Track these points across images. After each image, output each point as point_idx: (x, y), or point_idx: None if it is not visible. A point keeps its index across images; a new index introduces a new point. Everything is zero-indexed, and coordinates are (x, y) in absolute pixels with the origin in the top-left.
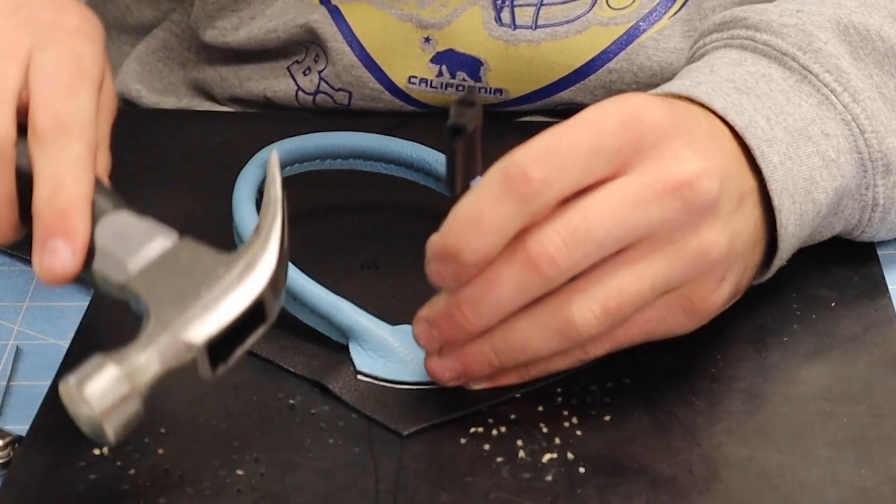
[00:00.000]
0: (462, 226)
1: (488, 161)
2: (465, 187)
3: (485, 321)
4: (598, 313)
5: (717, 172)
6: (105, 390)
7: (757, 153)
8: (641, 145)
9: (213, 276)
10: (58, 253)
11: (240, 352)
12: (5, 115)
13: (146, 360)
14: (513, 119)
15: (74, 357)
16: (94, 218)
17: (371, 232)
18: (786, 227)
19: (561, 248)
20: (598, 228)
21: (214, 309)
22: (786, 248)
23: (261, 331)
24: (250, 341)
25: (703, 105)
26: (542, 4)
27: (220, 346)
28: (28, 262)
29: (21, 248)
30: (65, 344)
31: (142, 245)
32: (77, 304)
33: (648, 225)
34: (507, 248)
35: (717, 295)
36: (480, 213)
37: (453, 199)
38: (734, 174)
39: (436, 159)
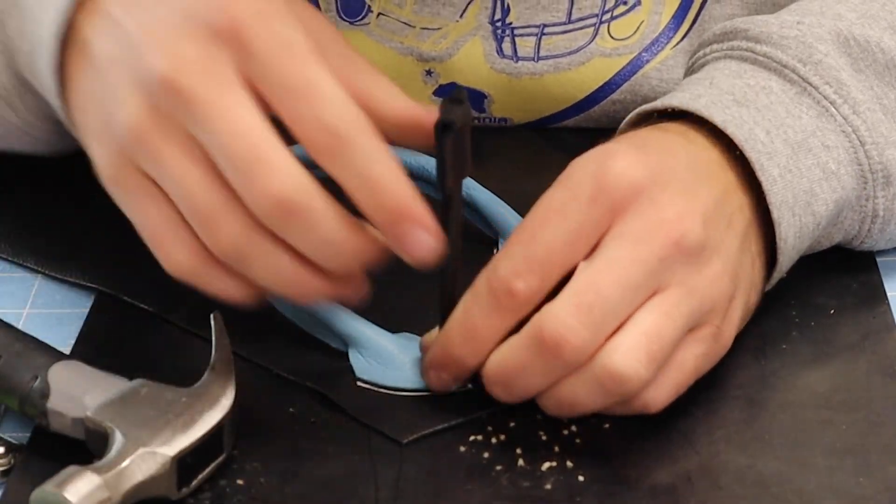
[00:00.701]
0: (460, 340)
1: (493, 165)
2: (456, 187)
3: (517, 398)
4: (644, 361)
5: (698, 210)
6: (86, 495)
7: (756, 166)
8: (619, 206)
9: (179, 405)
10: (420, 240)
11: (200, 477)
12: (288, 164)
13: (123, 469)
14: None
15: None
16: (48, 363)
17: None
18: (785, 239)
19: (581, 332)
20: (610, 299)
21: (185, 428)
22: (785, 261)
23: (218, 461)
24: (208, 470)
25: (702, 118)
26: (542, 34)
27: (186, 467)
28: (28, 268)
29: (22, 255)
30: (66, 351)
31: (97, 384)
32: (77, 311)
33: (653, 278)
34: (526, 336)
35: (733, 316)
36: (475, 328)
37: (444, 201)
38: (717, 201)
39: (435, 167)
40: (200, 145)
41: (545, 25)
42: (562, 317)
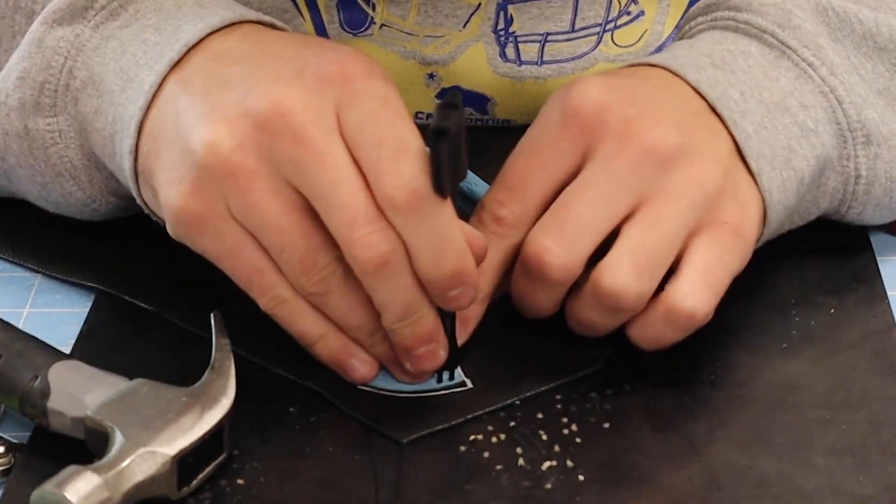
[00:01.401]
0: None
1: (495, 164)
2: (453, 190)
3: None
4: (632, 274)
5: (670, 117)
6: (86, 495)
7: (729, 122)
8: (589, 127)
9: (179, 404)
10: (467, 296)
11: (201, 476)
12: (358, 196)
13: (123, 469)
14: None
15: None
16: (49, 363)
17: None
18: (769, 191)
19: (559, 253)
20: (584, 219)
21: (185, 428)
22: (774, 217)
23: (219, 460)
24: (209, 469)
25: (677, 76)
26: (546, 41)
27: (186, 467)
28: (28, 268)
29: (22, 255)
30: (66, 350)
31: (98, 384)
32: (77, 311)
33: (630, 191)
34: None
35: (748, 211)
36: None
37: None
38: (694, 113)
39: None
40: (291, 186)
41: (549, 34)
42: (541, 241)
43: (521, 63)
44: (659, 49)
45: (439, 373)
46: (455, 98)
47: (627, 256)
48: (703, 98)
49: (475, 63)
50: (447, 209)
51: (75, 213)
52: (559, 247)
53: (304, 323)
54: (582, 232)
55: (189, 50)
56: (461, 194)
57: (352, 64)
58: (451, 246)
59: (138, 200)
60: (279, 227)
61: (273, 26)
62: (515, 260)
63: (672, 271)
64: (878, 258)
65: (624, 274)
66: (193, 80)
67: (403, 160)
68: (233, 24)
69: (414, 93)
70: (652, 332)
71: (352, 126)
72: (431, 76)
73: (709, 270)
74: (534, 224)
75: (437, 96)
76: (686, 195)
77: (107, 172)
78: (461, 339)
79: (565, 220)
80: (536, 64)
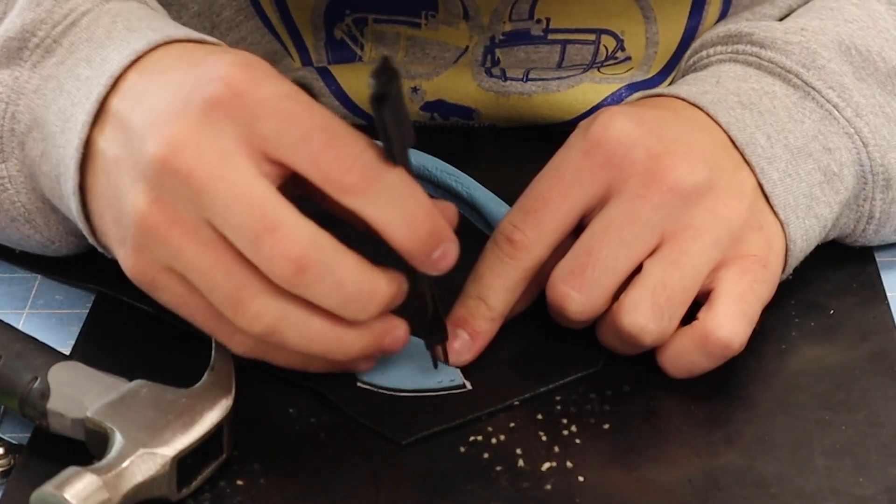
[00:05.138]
0: (470, 282)
1: (493, 165)
2: (405, 156)
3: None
4: (649, 313)
5: (696, 152)
6: (86, 496)
7: (757, 170)
8: (614, 160)
9: (179, 405)
10: (450, 253)
11: (200, 478)
12: (296, 223)
13: (123, 470)
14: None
15: None
16: (48, 364)
17: (371, 238)
18: (794, 241)
19: (574, 298)
20: (605, 260)
21: (185, 429)
22: (792, 263)
23: (218, 461)
24: (209, 470)
25: (706, 113)
26: (530, 71)
27: (186, 468)
28: (28, 269)
29: (22, 255)
30: (65, 352)
31: (97, 385)
32: (77, 312)
33: (653, 230)
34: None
35: (774, 245)
36: (482, 273)
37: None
38: (720, 146)
39: (436, 166)
40: (211, 225)
41: (534, 68)
42: (562, 288)
43: (505, 79)
44: (644, 82)
45: (429, 346)
46: (388, 62)
47: (648, 296)
48: (732, 141)
49: (460, 78)
50: (403, 175)
51: (39, 252)
52: (580, 293)
53: (281, 358)
54: (603, 276)
55: (119, 77)
56: (462, 200)
57: (235, 76)
58: (419, 208)
59: (91, 240)
60: (200, 268)
61: (203, 42)
62: (527, 281)
63: (698, 303)
64: (877, 259)
65: (642, 315)
66: (110, 133)
67: (339, 143)
68: (159, 45)
69: None
70: (685, 362)
71: (269, 137)
72: (415, 90)
73: (743, 299)
74: (547, 249)
75: (422, 109)
76: (710, 231)
77: (62, 214)
78: (471, 356)
79: (586, 266)
80: (521, 80)
